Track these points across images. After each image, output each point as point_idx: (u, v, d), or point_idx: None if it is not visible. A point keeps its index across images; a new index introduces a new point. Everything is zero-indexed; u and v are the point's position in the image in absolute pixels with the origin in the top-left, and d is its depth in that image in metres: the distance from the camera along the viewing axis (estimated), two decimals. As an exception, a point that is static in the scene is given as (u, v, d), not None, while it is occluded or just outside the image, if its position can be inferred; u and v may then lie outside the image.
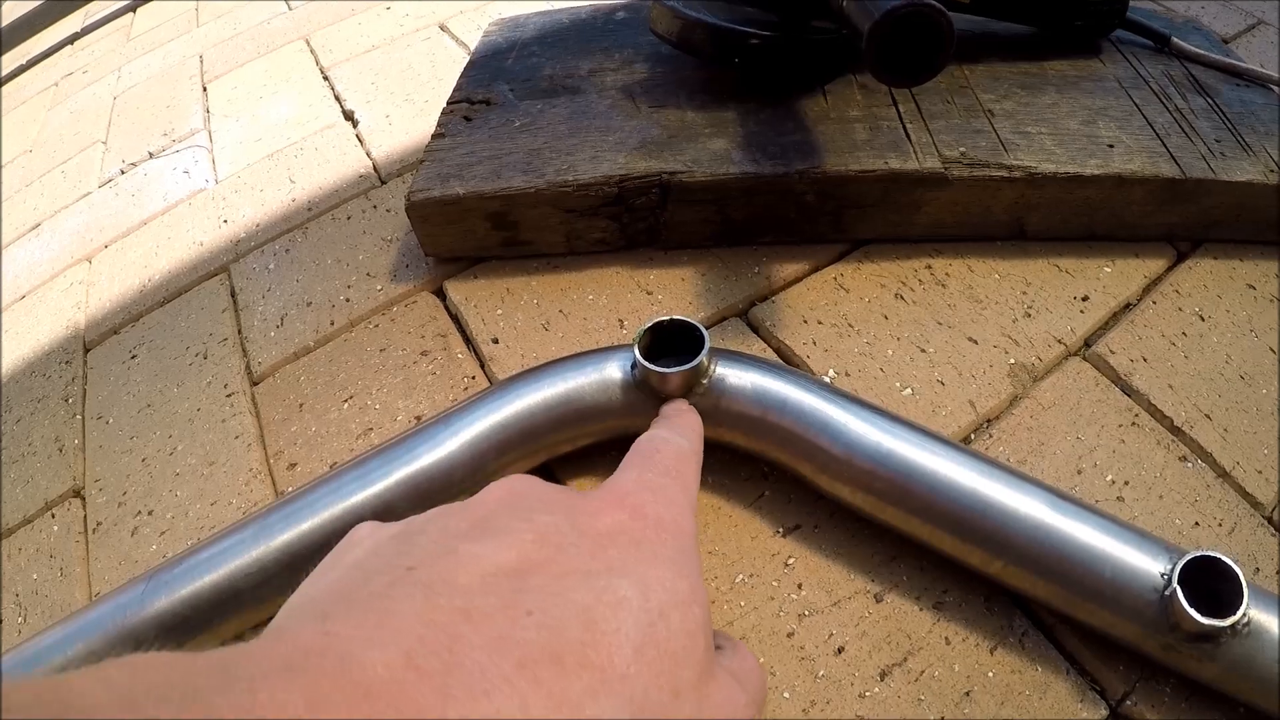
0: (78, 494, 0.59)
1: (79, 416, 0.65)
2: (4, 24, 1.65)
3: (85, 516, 0.57)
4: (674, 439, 0.36)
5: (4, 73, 1.58)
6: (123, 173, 0.97)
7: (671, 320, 0.44)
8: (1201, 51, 0.68)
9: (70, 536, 0.56)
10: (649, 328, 0.44)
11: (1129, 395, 0.51)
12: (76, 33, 1.64)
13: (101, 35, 1.58)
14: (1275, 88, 0.66)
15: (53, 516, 0.58)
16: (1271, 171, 0.56)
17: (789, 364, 0.54)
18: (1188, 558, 0.36)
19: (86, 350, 0.71)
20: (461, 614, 0.21)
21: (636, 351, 0.43)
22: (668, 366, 0.43)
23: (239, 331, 0.67)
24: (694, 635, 0.25)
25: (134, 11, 1.62)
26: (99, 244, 0.85)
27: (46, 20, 1.67)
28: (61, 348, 0.73)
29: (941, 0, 0.62)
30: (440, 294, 0.65)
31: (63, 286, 0.81)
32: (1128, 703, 0.39)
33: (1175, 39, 0.68)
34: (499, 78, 0.72)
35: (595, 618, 0.23)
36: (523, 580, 0.23)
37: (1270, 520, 0.45)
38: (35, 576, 0.54)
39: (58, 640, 0.42)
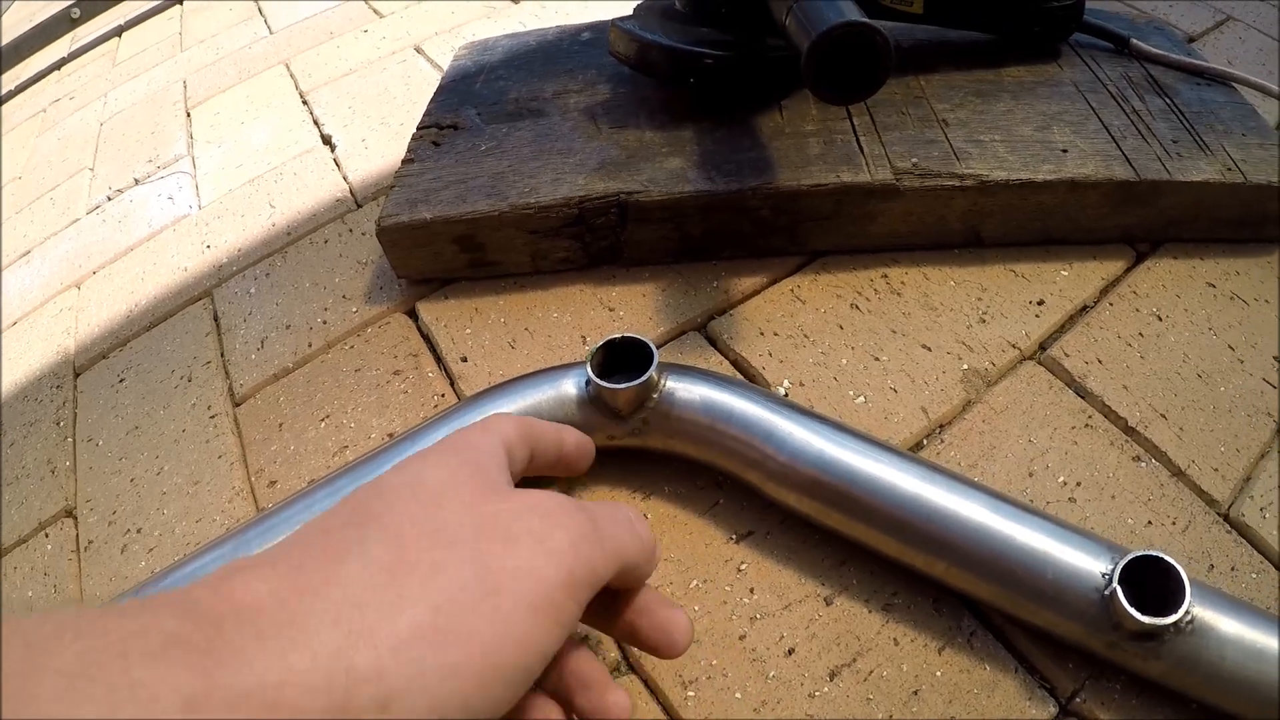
0: (70, 514, 0.60)
1: (70, 439, 0.66)
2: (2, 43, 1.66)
3: (77, 535, 0.58)
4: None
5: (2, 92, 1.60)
6: (109, 199, 0.99)
7: (623, 338, 0.46)
8: (1161, 52, 0.68)
9: (63, 555, 0.57)
10: (601, 346, 0.46)
11: (1082, 397, 0.52)
12: (63, 58, 1.65)
13: (87, 60, 1.59)
14: (1235, 85, 0.66)
15: (46, 536, 0.59)
16: (1229, 170, 0.57)
17: (746, 376, 0.56)
18: (1129, 558, 0.36)
19: (76, 375, 0.73)
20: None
21: (589, 369, 0.45)
22: (618, 383, 0.45)
23: (221, 354, 0.68)
24: (456, 473, 0.30)
25: (119, 36, 1.64)
26: (87, 270, 0.86)
27: (34, 46, 1.68)
28: (53, 372, 0.74)
29: (894, 12, 0.64)
30: (412, 314, 0.66)
31: (53, 313, 0.82)
32: (1077, 700, 0.39)
33: (1135, 40, 0.69)
34: (467, 102, 0.74)
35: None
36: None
37: (1225, 517, 0.45)
38: (30, 594, 0.56)
39: None
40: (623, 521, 0.32)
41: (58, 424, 0.68)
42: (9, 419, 0.71)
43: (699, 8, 0.65)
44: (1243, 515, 0.45)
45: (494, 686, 0.25)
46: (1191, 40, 0.87)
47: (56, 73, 1.61)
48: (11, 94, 1.60)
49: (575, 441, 0.41)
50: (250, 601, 0.23)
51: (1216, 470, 0.47)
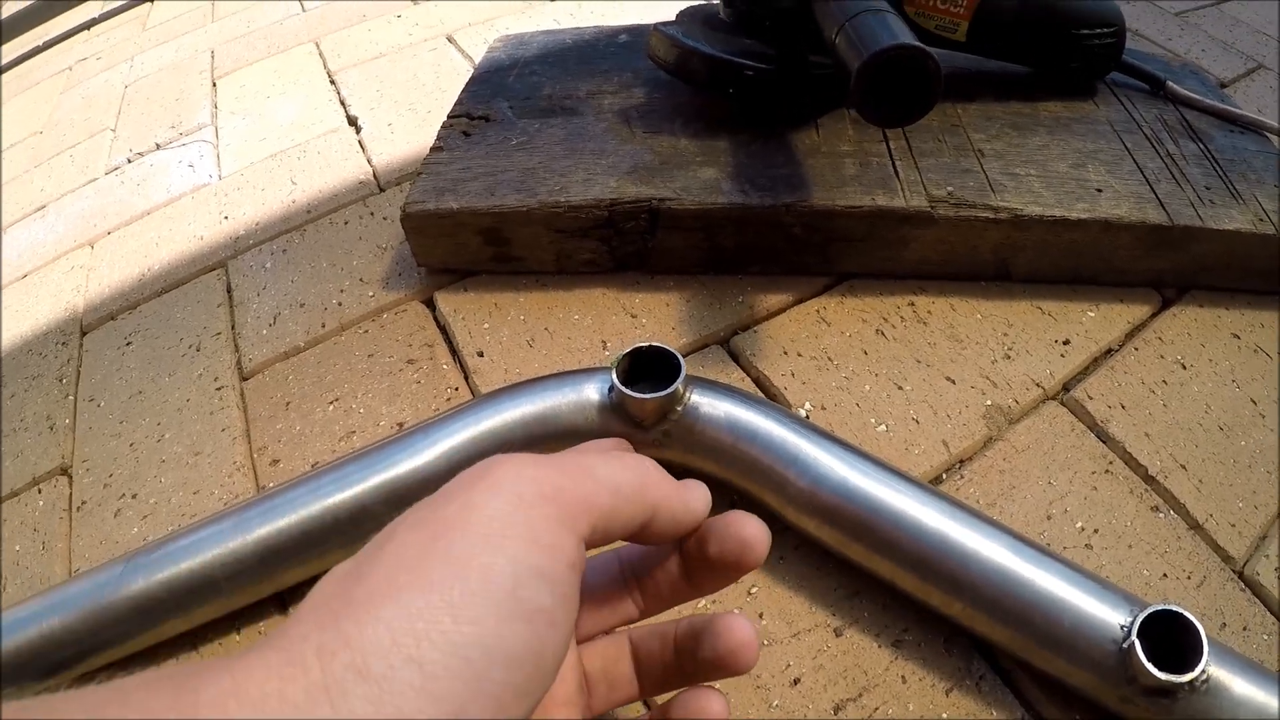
0: (65, 472, 0.60)
1: (71, 397, 0.66)
2: (18, 7, 1.66)
3: (71, 495, 0.58)
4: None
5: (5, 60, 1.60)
6: (129, 161, 0.99)
7: (650, 347, 0.45)
8: (1196, 96, 0.68)
9: (55, 513, 0.57)
10: (628, 353, 0.45)
11: (1104, 442, 0.51)
12: (94, 19, 1.65)
13: (118, 23, 1.59)
14: (1270, 135, 0.66)
15: (39, 492, 0.59)
16: (1261, 220, 0.57)
17: (766, 395, 0.55)
18: (1148, 611, 0.36)
19: (83, 333, 0.73)
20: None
21: (614, 376, 0.44)
22: (644, 392, 0.44)
23: (232, 327, 0.68)
24: None
25: (151, 2, 1.64)
26: (102, 230, 0.86)
27: (66, 4, 1.68)
28: (59, 329, 0.74)
29: (937, 38, 0.64)
30: (430, 304, 0.66)
31: (64, 269, 0.82)
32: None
33: (1170, 83, 0.69)
34: (499, 94, 0.73)
35: None
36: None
37: (1240, 574, 0.45)
38: (18, 548, 0.55)
39: (35, 612, 0.43)
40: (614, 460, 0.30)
41: (60, 380, 0.68)
42: (11, 370, 0.71)
43: (744, 19, 0.65)
44: (1257, 574, 0.45)
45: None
46: (1223, 86, 0.87)
47: (86, 33, 1.62)
48: (39, 49, 1.59)
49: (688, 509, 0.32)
50: None
51: (1234, 526, 0.47)
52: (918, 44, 0.46)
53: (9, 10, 1.80)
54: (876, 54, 0.46)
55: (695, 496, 0.32)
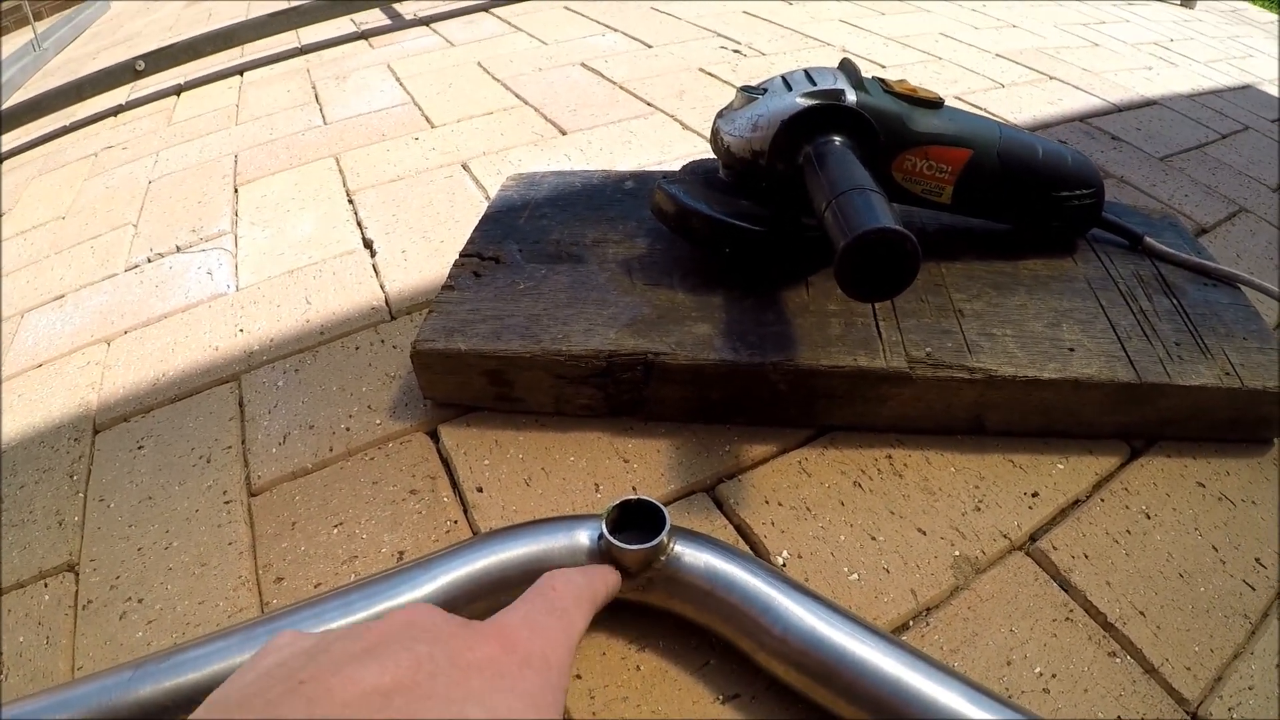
0: (72, 569, 0.61)
1: (81, 495, 0.67)
2: (52, 87, 1.71)
3: (77, 592, 0.59)
4: (575, 579, 0.40)
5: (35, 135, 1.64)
6: (149, 261, 1.01)
7: (639, 500, 0.48)
8: (1171, 251, 0.71)
9: (60, 609, 0.58)
10: (617, 504, 0.48)
11: (1066, 591, 0.53)
12: (121, 105, 1.70)
13: (144, 113, 1.64)
14: (1242, 287, 0.69)
15: (45, 586, 0.59)
16: (1227, 374, 0.59)
17: (747, 542, 0.57)
18: None
19: (96, 432, 0.74)
20: None
21: (604, 525, 0.48)
22: (630, 543, 0.47)
23: (243, 442, 0.70)
24: None
25: (178, 95, 1.69)
26: (119, 329, 0.88)
27: (96, 89, 1.73)
28: (72, 424, 0.75)
29: (924, 200, 0.67)
30: (434, 436, 0.68)
31: (79, 364, 0.84)
32: None
33: (1148, 238, 0.72)
34: (510, 235, 0.77)
35: None
36: (389, 699, 0.26)
37: (1194, 716, 0.46)
38: (22, 640, 0.56)
39: (42, 707, 0.44)
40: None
41: (71, 477, 0.69)
42: (22, 460, 0.72)
43: (741, 180, 0.68)
44: (1210, 714, 0.46)
45: None
46: (1204, 232, 0.91)
47: (113, 118, 1.66)
48: (66, 130, 1.64)
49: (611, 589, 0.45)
50: None
51: (1189, 669, 0.49)
52: (898, 227, 0.49)
53: (38, 89, 1.85)
54: (859, 236, 0.49)
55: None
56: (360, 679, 0.27)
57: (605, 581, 0.44)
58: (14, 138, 1.69)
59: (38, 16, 2.66)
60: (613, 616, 0.52)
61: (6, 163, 1.60)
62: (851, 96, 0.63)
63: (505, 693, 0.29)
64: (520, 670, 0.31)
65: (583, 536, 0.50)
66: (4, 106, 1.80)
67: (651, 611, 0.50)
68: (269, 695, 0.27)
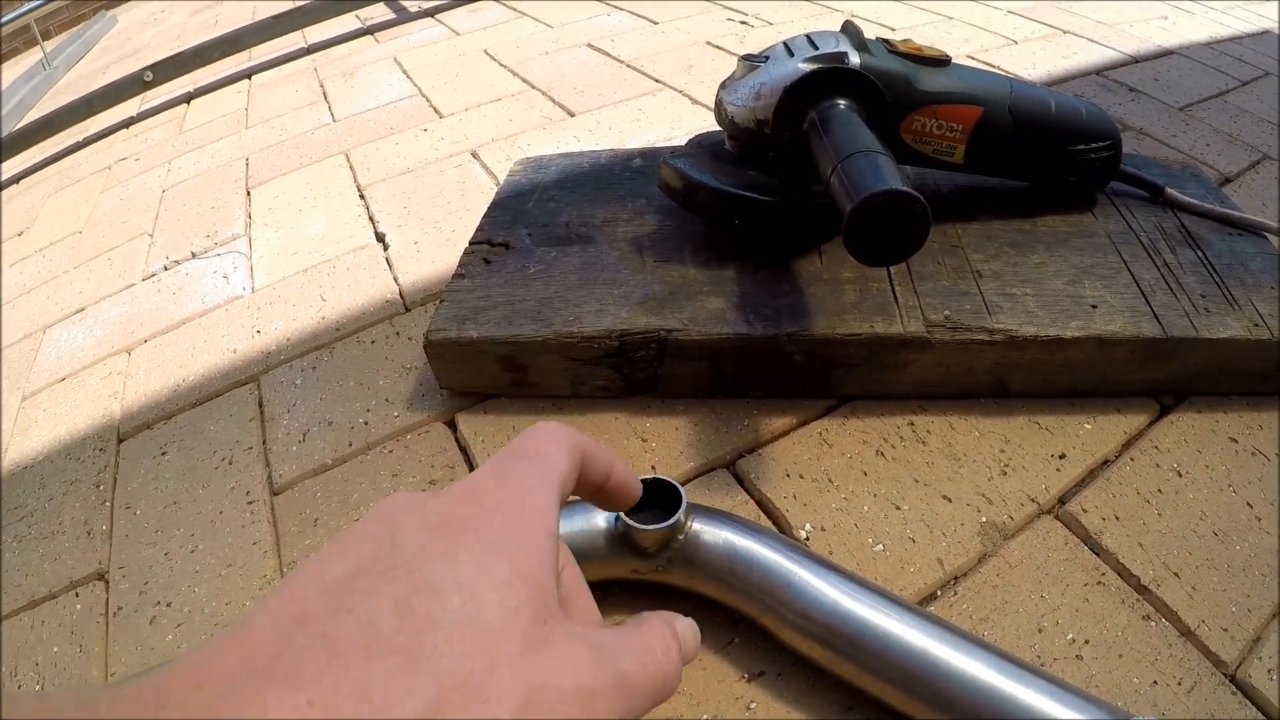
0: (102, 577, 0.61)
1: (108, 504, 0.68)
2: (63, 104, 1.73)
3: (108, 600, 0.59)
4: (547, 424, 0.37)
5: (49, 154, 1.66)
6: (166, 269, 1.02)
7: (655, 479, 0.48)
8: (1194, 201, 0.70)
9: (92, 617, 0.58)
10: None
11: (1097, 554, 0.52)
12: (132, 117, 1.71)
13: (156, 123, 1.65)
14: (1269, 235, 0.67)
15: (76, 596, 0.60)
16: (1256, 325, 0.58)
17: (769, 517, 0.57)
18: None
19: (120, 440, 0.75)
20: (296, 620, 0.24)
21: (620, 506, 0.47)
22: (647, 523, 0.46)
23: (264, 442, 0.70)
24: (514, 611, 0.26)
25: (188, 103, 1.70)
26: (139, 338, 0.89)
27: (106, 102, 1.74)
28: (96, 435, 0.76)
29: (936, 161, 0.66)
30: (452, 425, 0.68)
31: (102, 375, 0.85)
32: None
33: (1170, 189, 0.71)
34: (519, 221, 0.76)
35: (409, 606, 0.25)
36: (350, 583, 0.25)
37: (1232, 678, 0.45)
38: (55, 650, 0.57)
39: None
40: (653, 660, 0.33)
41: (97, 486, 0.70)
42: (50, 473, 0.73)
43: (748, 151, 0.67)
44: (1249, 677, 0.45)
45: None
46: (1227, 181, 0.89)
47: (125, 131, 1.67)
48: (79, 145, 1.65)
49: (620, 479, 0.40)
50: None
51: (1226, 631, 0.47)
52: (906, 188, 0.48)
53: (51, 105, 1.87)
54: (865, 199, 0.48)
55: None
56: (323, 572, 0.26)
57: (593, 442, 0.39)
58: (29, 156, 1.71)
59: (46, 36, 2.68)
60: (634, 598, 0.52)
61: (23, 181, 1.62)
62: (855, 59, 0.62)
63: (471, 544, 0.28)
64: (489, 518, 0.29)
65: (600, 519, 0.49)
66: (18, 126, 1.81)
67: (673, 591, 0.50)
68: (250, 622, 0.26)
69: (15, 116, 2.07)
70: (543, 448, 0.34)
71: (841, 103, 0.60)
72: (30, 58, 2.79)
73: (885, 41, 0.65)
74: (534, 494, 0.31)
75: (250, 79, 1.74)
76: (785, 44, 0.65)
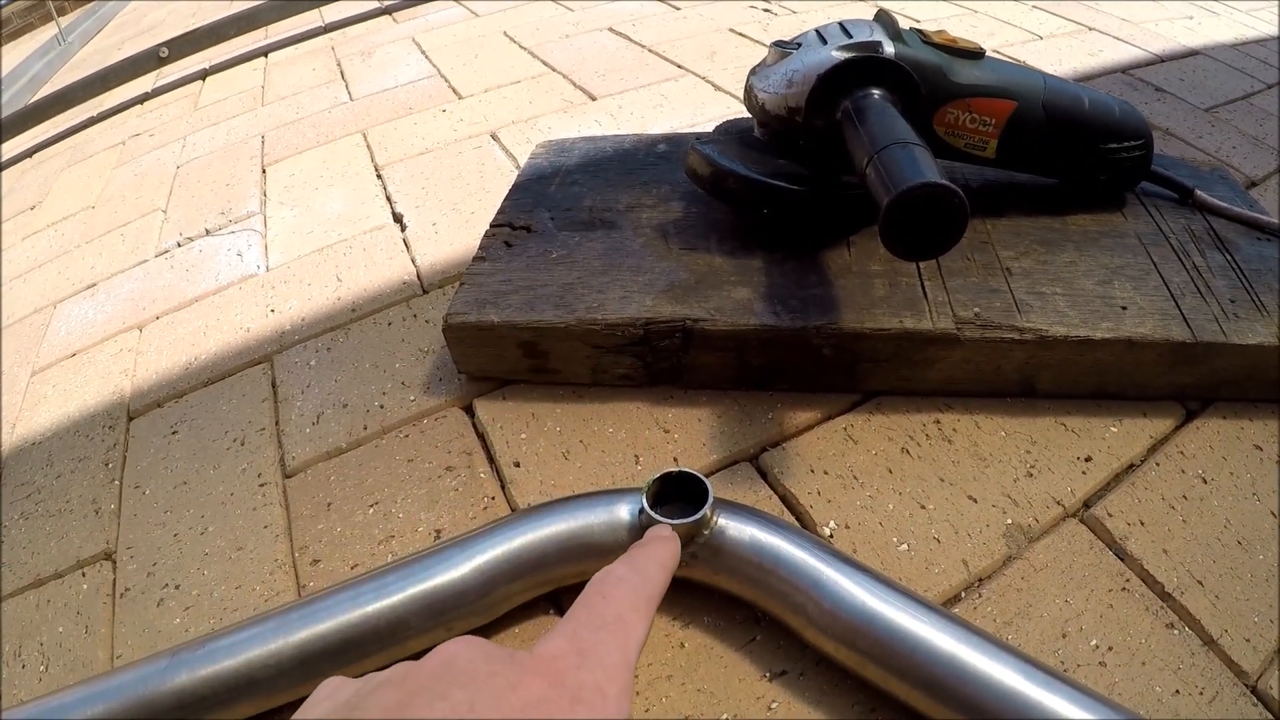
0: (109, 557, 0.61)
1: (117, 482, 0.67)
2: (78, 79, 1.72)
3: (115, 580, 0.59)
4: (629, 578, 0.37)
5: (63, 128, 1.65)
6: (179, 245, 1.01)
7: (681, 472, 0.47)
8: (1223, 204, 0.69)
9: (99, 597, 0.58)
10: (658, 477, 0.47)
11: (1122, 559, 0.51)
12: (147, 93, 1.70)
13: (171, 99, 1.64)
14: None
15: (83, 575, 0.60)
16: None
17: (793, 513, 0.56)
18: None
19: (130, 418, 0.74)
20: None
21: (645, 500, 0.46)
22: (672, 516, 0.45)
23: (276, 423, 0.70)
24: None
25: (203, 80, 1.69)
26: (151, 314, 0.88)
27: (121, 78, 1.73)
28: (106, 412, 0.76)
29: (968, 156, 0.65)
30: (469, 410, 0.67)
31: (112, 351, 0.84)
32: None
33: (1199, 191, 0.70)
34: (541, 204, 0.75)
35: None
36: None
37: (1254, 689, 0.45)
38: (61, 629, 0.56)
39: (81, 698, 0.45)
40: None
41: (106, 465, 0.70)
42: (58, 450, 0.73)
43: (777, 139, 0.66)
44: (1270, 688, 0.45)
45: None
46: (1253, 185, 0.88)
47: (139, 106, 1.67)
48: (94, 120, 1.64)
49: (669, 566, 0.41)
50: None
51: (1248, 641, 0.47)
52: (945, 182, 0.47)
53: (66, 79, 1.86)
54: (904, 192, 0.47)
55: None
56: None
57: (661, 564, 0.40)
58: (42, 130, 1.70)
59: (61, 12, 2.67)
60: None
61: (36, 156, 1.61)
62: (889, 48, 0.60)
63: None
64: (571, 707, 0.28)
65: (623, 511, 0.48)
66: (32, 100, 1.81)
67: (695, 587, 0.49)
68: None
69: (29, 91, 2.06)
70: (626, 617, 0.34)
71: (876, 92, 0.59)
72: (46, 33, 2.78)
73: (919, 32, 0.64)
74: (615, 678, 0.30)
75: (266, 57, 1.73)
76: (818, 31, 0.64)
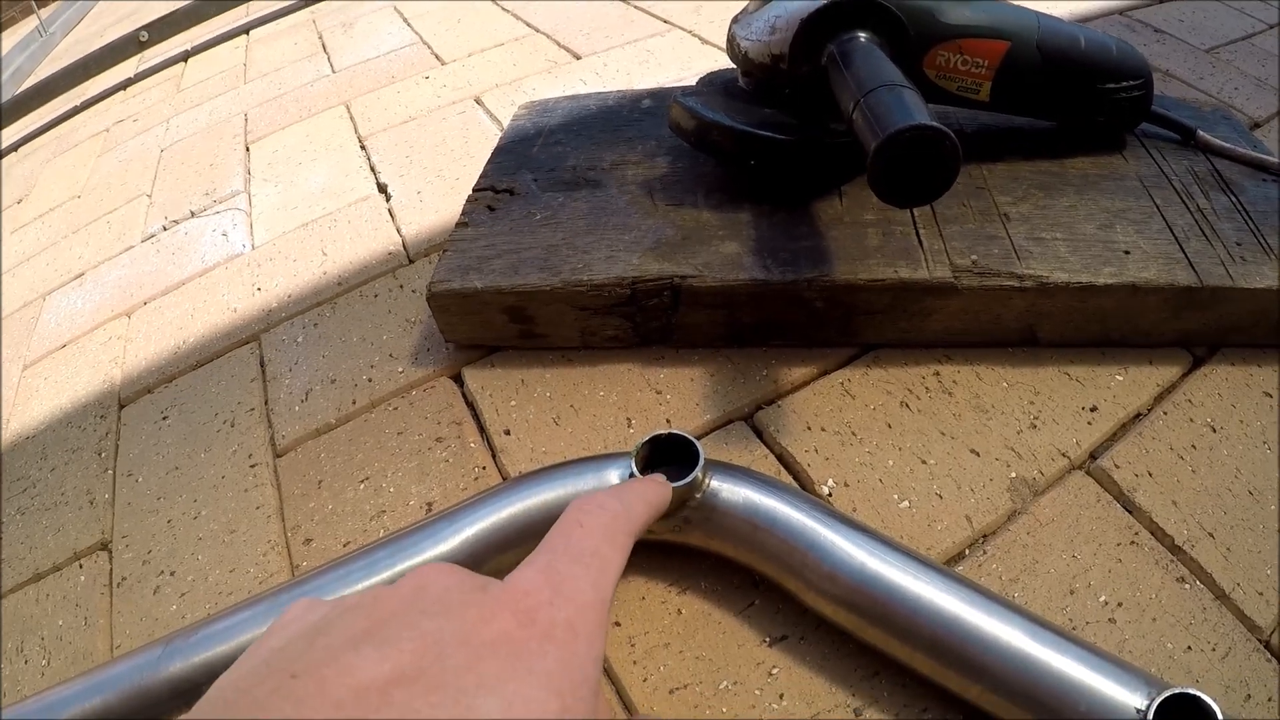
0: (105, 547, 0.61)
1: (110, 471, 0.67)
2: (59, 69, 1.70)
3: (111, 570, 0.59)
4: (610, 506, 0.35)
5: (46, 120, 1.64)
6: (165, 229, 1.01)
7: (670, 435, 0.46)
8: (1227, 145, 0.67)
9: (96, 588, 0.58)
10: (647, 441, 0.46)
11: (1130, 512, 0.50)
12: (129, 78, 1.68)
13: (153, 83, 1.63)
14: None
15: (80, 567, 0.60)
16: None
17: (790, 472, 0.55)
18: (1165, 694, 0.35)
19: (121, 406, 0.74)
20: None
21: (634, 464, 0.45)
22: (664, 480, 0.44)
23: (265, 403, 0.69)
24: None
25: (185, 61, 1.67)
26: (138, 300, 0.88)
27: (103, 65, 1.72)
28: (97, 401, 0.75)
29: (961, 99, 0.63)
30: (458, 380, 0.66)
31: (101, 339, 0.84)
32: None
33: (1201, 132, 0.68)
34: (524, 166, 0.74)
35: None
36: (388, 695, 0.24)
37: (1268, 645, 0.43)
38: (61, 623, 0.56)
39: (78, 692, 0.45)
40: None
41: (99, 454, 0.69)
42: (51, 442, 0.73)
43: (762, 89, 0.65)
44: None
45: None
46: (1256, 126, 0.86)
47: (122, 93, 1.65)
48: (77, 110, 1.63)
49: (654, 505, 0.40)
50: None
51: (1261, 594, 0.45)
52: (934, 123, 0.45)
53: (48, 71, 1.84)
54: (892, 136, 0.46)
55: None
56: (356, 669, 0.24)
57: (645, 500, 0.39)
58: (27, 123, 1.69)
59: (41, 3, 2.64)
60: (650, 558, 0.50)
61: (22, 149, 1.60)
62: (875, -12, 0.58)
63: (523, 676, 0.26)
64: (540, 645, 0.27)
65: (613, 476, 0.48)
66: (16, 92, 1.79)
67: (691, 552, 0.49)
68: (258, 693, 0.24)
69: (13, 85, 2.04)
70: (603, 549, 0.32)
71: (862, 35, 0.57)
72: (26, 26, 2.76)
73: (906, -29, 0.62)
74: (588, 614, 0.29)
75: (248, 34, 1.71)
76: (801, -26, 0.62)
